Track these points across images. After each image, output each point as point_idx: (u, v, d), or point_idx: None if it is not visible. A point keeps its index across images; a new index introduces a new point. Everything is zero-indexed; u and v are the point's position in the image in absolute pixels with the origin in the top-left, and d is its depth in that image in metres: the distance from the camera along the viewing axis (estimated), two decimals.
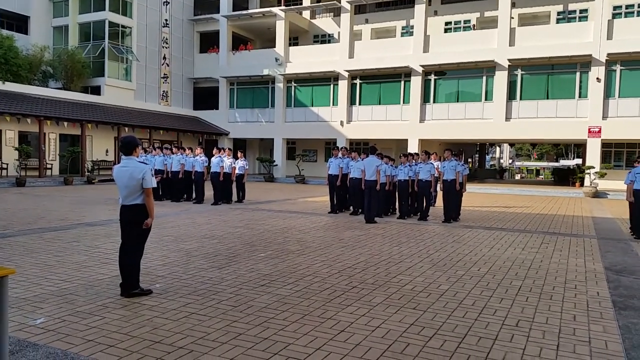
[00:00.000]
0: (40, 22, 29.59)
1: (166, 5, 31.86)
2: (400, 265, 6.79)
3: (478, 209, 15.32)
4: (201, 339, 3.96)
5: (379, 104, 28.60)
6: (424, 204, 12.26)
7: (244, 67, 31.90)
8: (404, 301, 5.10)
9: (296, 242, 8.50)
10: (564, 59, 24.05)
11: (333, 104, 29.76)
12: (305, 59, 30.33)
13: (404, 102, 27.86)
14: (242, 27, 33.96)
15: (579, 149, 46.58)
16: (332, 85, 29.88)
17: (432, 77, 27.25)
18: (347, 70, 28.68)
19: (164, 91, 32.39)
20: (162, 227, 9.67)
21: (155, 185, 5.14)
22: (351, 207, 13.28)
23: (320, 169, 31.22)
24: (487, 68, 25.77)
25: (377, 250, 7.87)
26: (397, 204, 13.01)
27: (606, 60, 23.32)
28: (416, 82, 27.21)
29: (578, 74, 24.31)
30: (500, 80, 25.36)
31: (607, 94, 23.64)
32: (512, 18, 26.46)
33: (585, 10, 27.59)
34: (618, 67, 23.50)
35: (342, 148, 14.18)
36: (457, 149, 31.57)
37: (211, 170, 14.81)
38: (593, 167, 23.36)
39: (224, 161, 14.76)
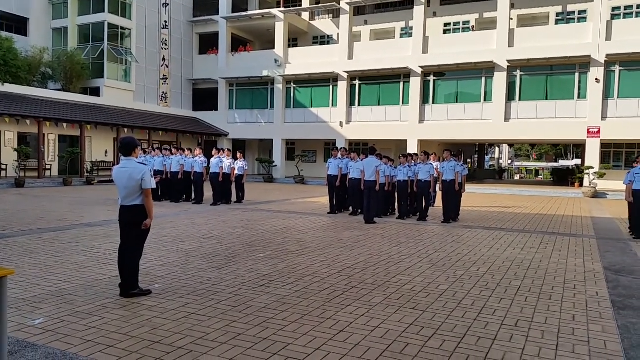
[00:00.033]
0: (39, 24, 29.60)
1: (165, 6, 31.88)
2: (399, 266, 6.79)
3: (477, 209, 15.32)
4: (200, 339, 3.96)
5: (378, 104, 28.61)
6: (423, 204, 12.26)
7: (243, 69, 31.92)
8: (403, 301, 5.10)
9: (295, 242, 8.50)
10: (563, 59, 24.09)
11: (332, 105, 29.78)
12: (305, 60, 30.35)
13: (403, 103, 27.89)
14: (242, 29, 33.98)
15: (578, 149, 46.63)
16: (331, 86, 29.90)
17: (431, 78, 27.27)
18: (346, 72, 28.70)
19: (163, 92, 32.40)
20: (162, 228, 9.67)
21: (154, 186, 5.15)
22: (350, 208, 13.29)
23: (319, 169, 31.23)
24: (486, 69, 25.79)
25: (377, 251, 7.87)
26: (396, 204, 13.01)
27: (605, 61, 23.35)
28: (415, 83, 27.23)
29: (577, 74, 24.34)
30: (500, 81, 25.39)
31: (606, 94, 23.66)
32: (511, 19, 26.48)
33: (584, 11, 27.63)
34: (617, 68, 23.53)
35: (341, 149, 14.19)
36: (457, 149, 31.46)
37: (210, 171, 14.81)
38: (592, 168, 23.38)
39: (223, 162, 14.77)
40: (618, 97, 23.44)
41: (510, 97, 25.47)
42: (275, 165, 30.81)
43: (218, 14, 32.83)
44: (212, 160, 14.83)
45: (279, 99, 31.18)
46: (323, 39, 34.56)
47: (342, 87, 29.13)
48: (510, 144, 66.97)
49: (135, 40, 30.03)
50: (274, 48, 31.47)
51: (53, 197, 16.13)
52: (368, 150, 11.94)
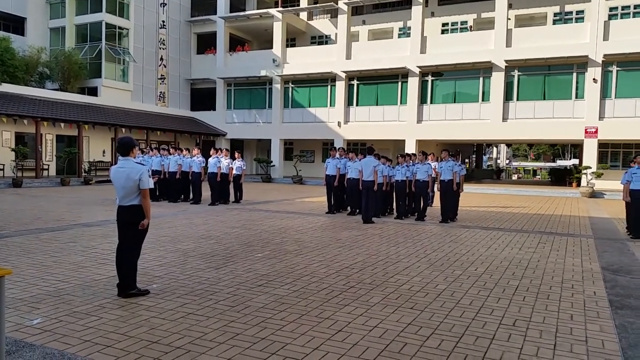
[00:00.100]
0: (37, 24, 29.55)
1: (163, 6, 31.84)
2: (397, 265, 6.80)
3: (475, 209, 15.34)
4: (198, 339, 3.95)
5: (376, 104, 28.62)
6: (422, 204, 12.27)
7: (241, 68, 31.90)
8: (401, 301, 5.10)
9: (294, 242, 8.50)
10: (560, 59, 24.13)
11: (330, 105, 29.78)
12: (303, 60, 30.34)
13: (401, 103, 27.90)
14: (239, 29, 33.96)
15: (576, 149, 46.75)
16: (329, 86, 29.90)
17: (429, 78, 27.29)
18: (344, 71, 28.70)
19: (161, 92, 32.35)
20: (160, 228, 9.66)
21: (152, 186, 5.14)
22: (349, 208, 13.29)
23: (317, 169, 31.25)
24: (484, 69, 25.82)
25: (375, 250, 7.87)
26: (394, 204, 13.02)
27: (602, 61, 23.40)
28: (413, 83, 27.25)
29: (575, 74, 24.38)
30: (497, 81, 25.42)
31: (604, 94, 23.71)
32: (509, 19, 26.51)
33: (582, 12, 27.68)
34: (614, 68, 23.57)
35: (339, 149, 14.19)
36: (454, 149, 31.55)
37: (208, 171, 14.79)
38: (590, 168, 23.43)
39: (221, 162, 14.76)
40: (615, 97, 23.49)
41: (508, 97, 25.51)
42: (273, 165, 30.79)
43: (216, 14, 32.80)
44: (210, 160, 14.82)
45: (277, 99, 31.17)
46: (321, 39, 34.56)
47: (340, 87, 29.13)
48: (508, 144, 67.08)
49: (133, 40, 30.00)
50: (271, 48, 31.46)
51: (50, 197, 16.10)
52: (366, 150, 11.95)
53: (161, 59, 32.04)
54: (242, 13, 32.69)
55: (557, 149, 66.27)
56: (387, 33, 32.58)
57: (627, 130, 22.96)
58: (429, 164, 12.27)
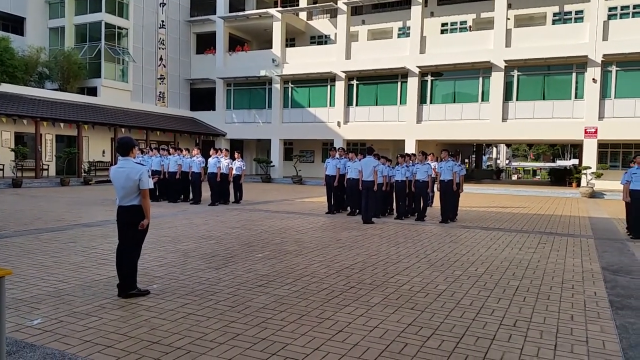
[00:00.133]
0: (36, 23, 29.53)
1: (162, 6, 31.83)
2: (397, 266, 6.79)
3: (475, 209, 15.34)
4: (199, 339, 3.95)
5: (376, 104, 28.62)
6: (421, 204, 12.27)
7: (240, 68, 31.90)
8: (401, 301, 5.10)
9: (294, 242, 8.50)
10: (560, 60, 24.14)
11: (330, 105, 29.78)
12: (302, 60, 30.34)
13: (400, 103, 27.90)
14: (239, 29, 33.96)
15: (576, 149, 46.77)
16: (329, 86, 29.90)
17: (429, 78, 27.30)
18: (343, 71, 28.70)
19: (160, 92, 32.34)
20: (160, 228, 9.65)
21: (152, 186, 5.14)
22: (348, 208, 13.29)
23: (317, 169, 31.24)
24: (484, 69, 25.83)
25: (375, 251, 7.87)
26: (394, 204, 13.02)
27: (602, 61, 23.41)
28: (413, 83, 27.26)
29: (574, 74, 24.39)
30: (497, 81, 25.43)
31: (603, 94, 23.72)
32: (508, 19, 26.53)
33: (581, 12, 27.70)
34: (614, 68, 23.59)
35: (339, 149, 14.18)
36: (454, 149, 31.51)
37: (208, 171, 14.79)
38: (589, 168, 23.44)
39: (221, 162, 14.75)
40: (615, 97, 23.51)
41: (507, 97, 25.52)
42: (273, 165, 30.78)
43: (215, 14, 32.79)
44: (210, 160, 14.81)
45: (276, 99, 31.17)
46: (320, 39, 34.56)
47: (340, 87, 29.13)
48: (508, 144, 67.09)
49: (132, 40, 29.99)
50: (271, 48, 31.46)
51: (50, 197, 16.09)
52: (366, 150, 11.95)
53: (160, 58, 32.04)
54: (241, 13, 32.68)
55: (557, 149, 66.31)
56: (387, 33, 32.58)
57: (627, 130, 22.97)
58: (428, 164, 12.28)
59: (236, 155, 15.83)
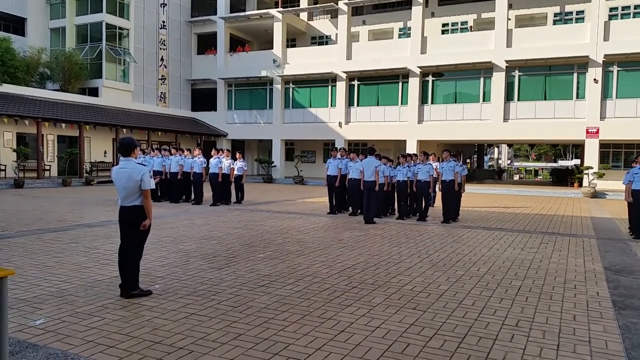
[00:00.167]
0: (37, 24, 29.56)
1: (163, 7, 31.85)
2: (399, 266, 6.79)
3: (477, 209, 15.33)
4: (201, 339, 3.95)
5: (377, 105, 28.62)
6: (423, 204, 12.27)
7: (241, 69, 31.91)
8: (403, 301, 5.10)
9: (295, 242, 8.50)
10: (561, 60, 24.12)
11: (331, 105, 29.78)
12: (303, 61, 30.34)
13: (402, 103, 27.90)
14: (240, 29, 33.97)
15: (577, 149, 46.70)
16: (330, 87, 29.90)
17: (430, 79, 27.28)
18: (344, 72, 28.70)
19: (161, 92, 32.37)
20: (161, 228, 9.66)
21: (153, 186, 5.14)
22: (350, 208, 13.28)
23: (318, 169, 31.24)
24: (485, 69, 25.82)
25: (377, 251, 7.86)
26: (396, 204, 13.01)
27: (603, 61, 23.39)
28: (414, 84, 27.25)
29: (575, 75, 24.37)
30: (498, 81, 25.42)
31: (605, 94, 23.70)
32: (509, 19, 26.50)
33: (582, 12, 27.67)
34: (615, 68, 23.56)
35: (340, 149, 14.19)
36: (456, 149, 31.51)
37: (210, 172, 14.80)
38: (591, 168, 23.42)
39: (222, 162, 14.76)
40: (616, 98, 23.48)
41: (509, 97, 25.50)
42: (275, 166, 30.80)
43: (216, 14, 32.81)
44: (212, 160, 14.82)
45: (277, 100, 31.18)
46: (321, 39, 34.57)
47: (341, 87, 29.13)
48: (509, 144, 67.09)
49: (133, 41, 30.01)
50: (272, 48, 31.47)
51: (52, 198, 16.11)
52: (367, 151, 11.94)
53: (162, 59, 32.06)
54: (242, 13, 32.70)
55: (559, 149, 66.26)
56: (388, 33, 32.58)
57: (629, 130, 22.94)
58: (430, 164, 12.26)
59: (237, 155, 15.84)
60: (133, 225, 5.04)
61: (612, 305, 5.13)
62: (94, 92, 28.74)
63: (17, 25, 29.18)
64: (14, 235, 8.63)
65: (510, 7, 26.11)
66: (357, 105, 29.11)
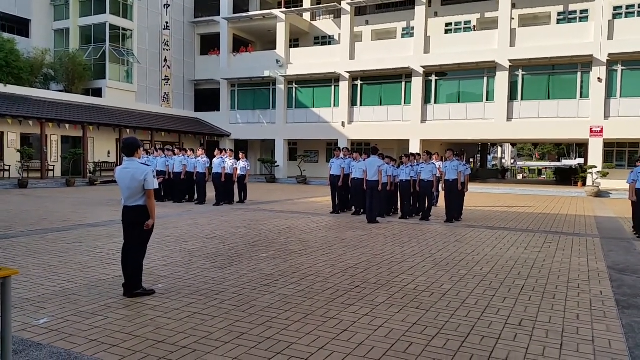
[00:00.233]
0: (41, 25, 29.68)
1: (167, 7, 31.92)
2: (402, 265, 6.78)
3: (480, 208, 15.30)
4: (204, 338, 3.96)
5: (380, 104, 28.60)
6: (426, 204, 12.25)
7: (244, 69, 31.95)
8: (406, 300, 5.09)
9: (298, 242, 8.50)
10: (564, 59, 24.04)
11: (334, 105, 29.78)
12: (306, 61, 30.35)
13: (405, 103, 27.87)
14: (243, 30, 34.01)
15: (581, 148, 46.57)
16: (333, 87, 29.90)
17: (433, 78, 27.25)
18: (348, 72, 28.69)
19: (165, 93, 32.44)
20: (165, 228, 9.68)
21: (157, 186, 5.15)
22: (353, 208, 13.28)
23: (321, 169, 31.25)
24: (488, 69, 25.77)
25: (380, 250, 7.86)
26: (399, 204, 13.00)
27: (607, 60, 23.30)
28: (417, 83, 27.22)
29: (579, 74, 24.30)
30: (502, 80, 25.36)
31: (609, 93, 23.62)
32: (513, 19, 26.45)
33: (586, 11, 27.58)
34: (619, 67, 23.47)
35: (343, 149, 14.18)
36: (459, 149, 31.54)
37: (213, 171, 14.82)
38: (595, 167, 23.33)
39: (225, 162, 14.78)
40: (620, 97, 23.40)
41: (512, 96, 25.44)
42: (278, 166, 30.83)
43: (219, 15, 32.86)
44: (215, 160, 14.85)
45: (280, 100, 31.20)
46: (324, 40, 34.57)
47: (344, 87, 29.13)
48: (513, 144, 66.87)
49: (136, 41, 30.09)
50: (275, 48, 31.49)
51: (56, 198, 16.16)
52: (370, 150, 11.94)
53: (165, 60, 32.13)
54: (245, 14, 32.74)
55: (562, 148, 66.03)
56: (391, 33, 32.55)
57: (633, 129, 22.85)
58: (433, 163, 12.25)
59: (240, 155, 15.86)
60: (136, 225, 5.05)
61: (616, 304, 5.12)
62: (98, 92, 28.83)
63: (21, 26, 29.29)
64: (17, 235, 8.66)
65: (513, 6, 26.06)
66: (360, 105, 29.11)
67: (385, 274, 6.26)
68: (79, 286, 5.41)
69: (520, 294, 5.42)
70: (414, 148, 26.00)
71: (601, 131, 23.42)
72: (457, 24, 30.97)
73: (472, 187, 20.52)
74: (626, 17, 26.25)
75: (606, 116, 23.51)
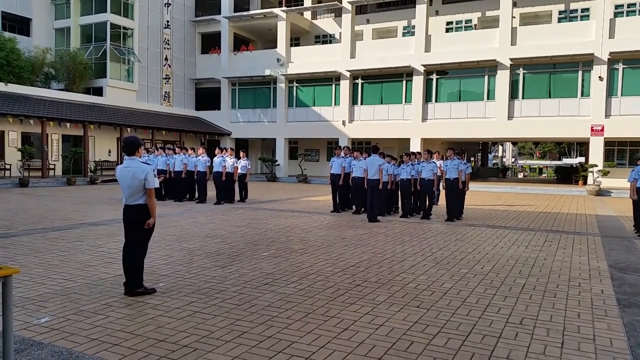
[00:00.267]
0: (42, 24, 29.67)
1: (167, 6, 31.90)
2: (403, 264, 6.78)
3: (481, 207, 15.30)
4: (205, 337, 3.96)
5: (381, 103, 28.58)
6: (427, 202, 12.25)
7: (245, 68, 31.93)
8: (407, 299, 5.09)
9: (299, 241, 8.50)
10: (565, 57, 23.99)
11: (335, 104, 29.76)
12: (307, 59, 30.34)
13: (406, 102, 27.84)
14: (244, 28, 33.98)
15: (582, 147, 46.54)
16: (333, 85, 29.87)
17: (434, 77, 27.22)
18: (348, 70, 28.66)
19: (165, 92, 32.43)
20: (165, 227, 9.68)
21: (157, 185, 5.15)
22: (354, 206, 13.28)
23: (322, 168, 31.24)
24: (489, 67, 25.73)
25: (380, 249, 7.86)
26: (399, 202, 13.00)
27: (608, 59, 23.26)
28: (418, 82, 27.19)
29: (580, 72, 24.25)
30: (502, 79, 25.33)
31: (610, 92, 23.58)
32: (514, 17, 26.41)
33: (587, 9, 27.54)
34: (620, 66, 23.43)
35: (344, 147, 14.18)
36: (460, 147, 31.55)
37: (213, 170, 14.82)
38: (596, 166, 23.30)
39: (226, 161, 14.78)
40: (622, 95, 23.36)
41: (513, 95, 25.41)
42: (278, 164, 30.83)
43: (220, 14, 32.82)
44: (215, 159, 14.85)
45: (281, 98, 31.19)
46: (325, 38, 34.54)
47: (345, 86, 29.11)
48: (514, 142, 66.79)
49: (137, 40, 30.07)
50: (276, 47, 31.46)
51: (57, 197, 16.17)
52: (371, 149, 11.94)
53: (166, 58, 32.12)
54: (246, 13, 32.71)
55: (563, 147, 65.99)
56: (392, 32, 32.51)
57: (634, 128, 22.81)
58: (434, 162, 12.25)
59: (241, 154, 15.87)
60: (137, 224, 5.05)
61: (617, 303, 5.11)
62: (99, 91, 28.83)
63: (22, 25, 29.29)
64: (18, 234, 8.67)
65: (514, 5, 26.02)
66: (361, 103, 29.09)
67: (385, 272, 6.26)
68: (80, 285, 5.41)
69: (521, 293, 5.42)
70: (415, 147, 25.99)
71: (602, 130, 23.39)
72: (458, 22, 30.94)
73: (473, 186, 20.51)
74: (627, 15, 26.20)
75: (607, 115, 23.48)
